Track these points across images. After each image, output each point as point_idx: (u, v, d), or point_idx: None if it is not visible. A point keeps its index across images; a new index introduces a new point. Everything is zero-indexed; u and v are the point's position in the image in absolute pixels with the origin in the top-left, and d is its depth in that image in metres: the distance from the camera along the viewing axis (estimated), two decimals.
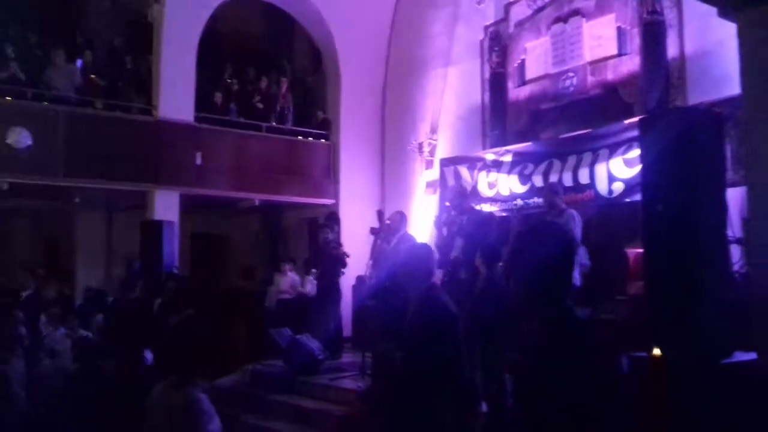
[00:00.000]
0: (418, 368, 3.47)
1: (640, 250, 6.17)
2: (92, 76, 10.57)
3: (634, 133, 6.95)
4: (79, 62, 10.63)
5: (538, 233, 2.35)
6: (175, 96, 10.67)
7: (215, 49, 12.06)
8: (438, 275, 5.21)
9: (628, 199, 7.75)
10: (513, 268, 2.42)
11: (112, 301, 8.85)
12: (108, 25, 12.24)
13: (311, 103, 13.17)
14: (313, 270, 10.14)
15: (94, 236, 12.24)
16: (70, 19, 12.13)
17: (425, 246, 4.06)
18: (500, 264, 5.72)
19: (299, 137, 12.24)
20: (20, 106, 9.61)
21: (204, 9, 11.03)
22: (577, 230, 6.47)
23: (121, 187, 10.42)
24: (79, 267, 11.84)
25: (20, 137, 9.27)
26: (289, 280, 10.99)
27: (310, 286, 10.62)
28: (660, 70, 8.26)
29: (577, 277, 6.18)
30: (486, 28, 10.67)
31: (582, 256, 6.87)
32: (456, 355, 3.48)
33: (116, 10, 12.85)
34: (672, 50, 8.24)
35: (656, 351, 4.52)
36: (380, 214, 8.58)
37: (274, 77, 12.43)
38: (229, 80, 11.99)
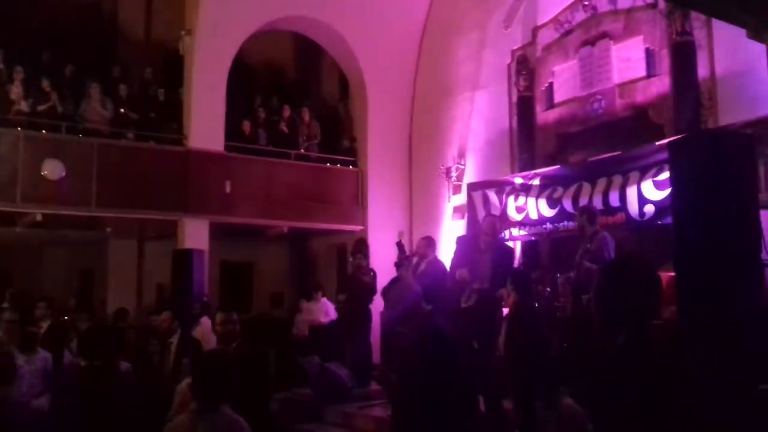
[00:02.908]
0: (429, 397, 3.43)
1: (673, 274, 6.03)
2: (124, 109, 10.79)
3: (665, 154, 6.83)
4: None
5: (625, 268, 2.59)
6: (206, 126, 10.86)
7: (244, 78, 12.26)
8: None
9: (660, 222, 7.61)
10: (601, 301, 2.74)
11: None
12: (140, 59, 12.53)
13: (339, 130, 13.26)
14: (340, 296, 10.11)
15: (126, 265, 12.39)
16: (104, 52, 12.44)
17: (409, 285, 4.09)
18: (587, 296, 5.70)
19: (327, 164, 12.31)
20: (55, 138, 9.85)
21: (233, 41, 11.24)
22: (610, 252, 6.35)
23: (152, 216, 10.58)
24: (112, 295, 11.98)
25: (55, 169, 9.49)
26: (322, 306, 10.92)
27: (334, 314, 10.57)
28: (690, 91, 8.14)
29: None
30: (513, 52, 10.67)
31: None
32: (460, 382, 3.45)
33: (148, 44, 13.17)
34: (702, 71, 8.12)
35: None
36: (400, 246, 8.55)
37: (297, 107, 12.56)
38: (257, 109, 12.14)
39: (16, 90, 9.92)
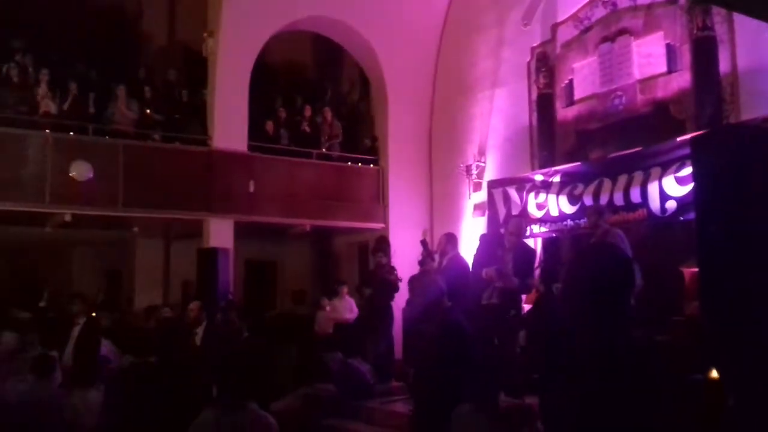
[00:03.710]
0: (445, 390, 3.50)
1: (696, 270, 6.04)
2: (149, 110, 10.97)
3: (687, 150, 6.85)
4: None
5: (592, 255, 2.33)
6: (229, 126, 11.01)
7: (267, 79, 12.39)
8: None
9: (682, 218, 7.61)
10: (567, 291, 2.39)
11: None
12: (164, 60, 12.72)
13: (360, 129, 13.35)
14: (366, 290, 10.16)
15: (152, 264, 12.60)
16: (129, 55, 12.65)
17: (435, 280, 4.15)
18: (557, 285, 5.71)
19: (348, 163, 12.41)
20: (82, 140, 10.05)
21: (256, 42, 11.38)
22: (626, 249, 6.39)
23: (177, 216, 10.75)
24: (138, 294, 12.19)
25: (83, 170, 9.66)
26: (347, 303, 10.97)
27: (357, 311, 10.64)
28: (712, 87, 8.11)
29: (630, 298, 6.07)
30: (533, 49, 10.68)
31: (636, 277, 6.76)
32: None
33: (172, 46, 13.37)
34: (724, 66, 8.09)
35: (713, 373, 4.41)
36: (424, 244, 8.62)
37: (318, 106, 12.68)
38: (279, 109, 12.28)
39: (42, 92, 10.14)
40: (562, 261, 9.30)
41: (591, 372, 2.17)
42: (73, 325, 6.88)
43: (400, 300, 9.49)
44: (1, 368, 5.43)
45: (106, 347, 5.85)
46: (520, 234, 7.01)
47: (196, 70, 11.69)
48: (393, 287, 8.95)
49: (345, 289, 11.07)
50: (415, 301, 3.75)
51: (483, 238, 7.71)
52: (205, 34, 11.14)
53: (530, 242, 8.98)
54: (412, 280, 8.00)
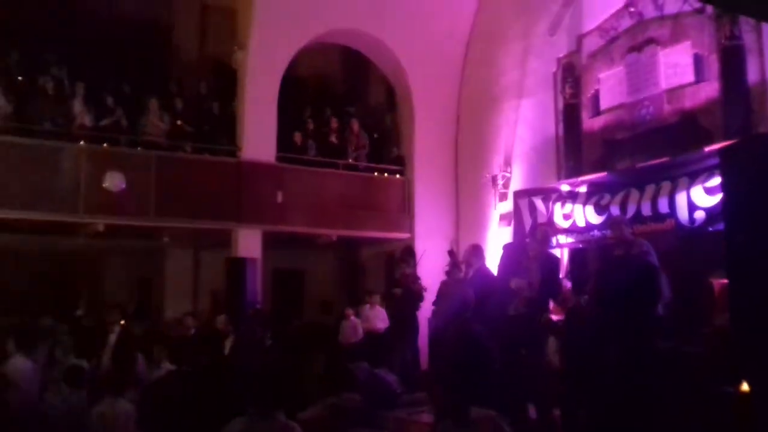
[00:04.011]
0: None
1: (726, 281, 5.98)
2: (180, 122, 11.18)
3: (715, 160, 6.80)
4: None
5: (619, 267, 2.37)
6: (258, 138, 11.19)
7: (294, 90, 12.56)
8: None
9: (710, 228, 7.53)
10: (594, 302, 2.43)
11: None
12: (195, 73, 12.96)
13: (386, 139, 13.45)
14: (396, 290, 10.17)
15: (182, 273, 12.80)
16: (160, 68, 12.92)
17: (465, 290, 4.17)
18: (585, 297, 5.72)
19: (375, 173, 12.50)
20: (115, 151, 10.28)
21: (284, 55, 11.56)
22: (654, 259, 6.35)
23: (207, 225, 10.94)
24: (168, 302, 12.38)
25: (115, 181, 9.86)
26: (379, 312, 10.93)
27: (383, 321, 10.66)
28: (740, 96, 8.04)
29: (659, 309, 6.04)
30: (559, 59, 10.68)
31: (663, 287, 6.72)
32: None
33: (202, 59, 13.61)
34: (753, 75, 8.01)
35: (744, 386, 4.38)
36: (452, 254, 8.63)
37: (346, 118, 12.81)
38: (307, 120, 12.43)
39: (78, 105, 10.41)
40: (589, 272, 9.27)
41: (617, 382, 2.21)
42: (108, 333, 7.01)
43: (425, 310, 9.52)
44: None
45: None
46: (547, 243, 7.00)
47: (226, 83, 11.90)
48: (418, 297, 8.98)
49: (377, 298, 11.10)
50: (443, 309, 3.78)
51: (507, 247, 7.71)
52: (235, 47, 11.36)
53: (556, 252, 8.96)
54: (443, 287, 8.01)
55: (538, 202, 9.99)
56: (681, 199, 7.94)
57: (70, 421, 4.86)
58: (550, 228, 9.17)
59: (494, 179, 11.49)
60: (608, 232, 8.68)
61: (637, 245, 6.41)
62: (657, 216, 8.09)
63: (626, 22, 9.64)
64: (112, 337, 6.77)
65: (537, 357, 6.55)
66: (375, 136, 12.99)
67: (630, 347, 2.11)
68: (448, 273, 8.40)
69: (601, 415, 2.07)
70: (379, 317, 10.84)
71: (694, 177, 7.82)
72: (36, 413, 4.94)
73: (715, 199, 7.32)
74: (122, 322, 9.36)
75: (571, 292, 7.19)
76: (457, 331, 3.73)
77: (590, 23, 10.27)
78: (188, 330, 8.04)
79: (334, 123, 12.48)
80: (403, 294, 8.95)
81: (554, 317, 6.96)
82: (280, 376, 3.55)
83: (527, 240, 7.25)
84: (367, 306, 11.10)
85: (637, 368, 2.04)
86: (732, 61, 8.18)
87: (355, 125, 12.58)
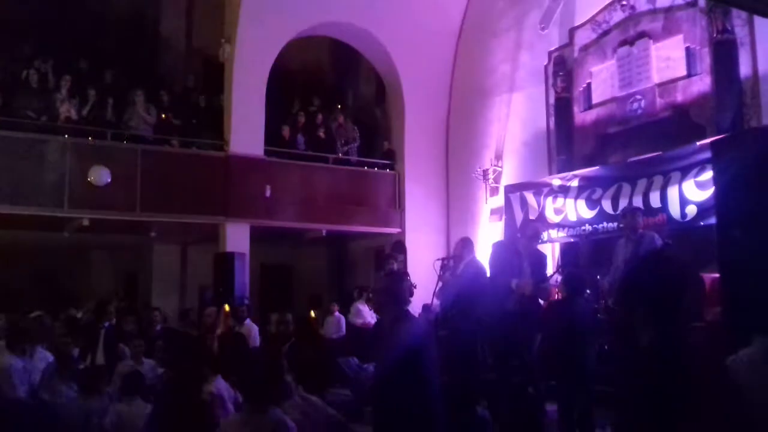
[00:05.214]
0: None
1: (717, 275, 5.95)
2: (167, 115, 11.05)
3: (707, 154, 6.77)
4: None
5: (654, 264, 2.34)
6: (246, 131, 11.06)
7: (283, 83, 12.44)
8: None
9: (702, 223, 7.51)
10: (626, 297, 2.42)
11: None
12: (182, 67, 12.81)
13: (376, 133, 13.37)
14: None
15: (169, 268, 12.68)
16: (147, 61, 12.77)
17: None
18: (588, 291, 5.65)
19: (365, 168, 12.41)
20: (101, 145, 10.13)
21: (272, 48, 11.42)
22: None
23: (194, 220, 10.80)
24: (155, 297, 12.26)
25: (101, 175, 9.73)
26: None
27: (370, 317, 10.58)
28: (732, 90, 8.02)
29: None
30: (550, 53, 10.63)
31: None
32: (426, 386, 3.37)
33: (189, 52, 13.47)
34: (744, 69, 7.99)
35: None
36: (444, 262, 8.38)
37: (333, 111, 12.70)
38: (295, 114, 12.31)
39: (63, 98, 10.24)
40: (579, 267, 9.22)
41: (655, 375, 2.17)
42: (100, 330, 6.94)
43: (415, 305, 9.43)
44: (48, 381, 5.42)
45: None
46: (536, 239, 6.93)
47: (214, 76, 11.76)
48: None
49: (365, 294, 11.03)
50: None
51: (497, 245, 7.61)
52: (222, 40, 11.21)
53: (546, 247, 8.90)
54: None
55: (530, 197, 9.94)
56: (673, 193, 7.93)
57: (66, 418, 4.78)
58: (541, 224, 9.11)
59: (485, 173, 11.44)
60: (602, 226, 8.69)
61: (647, 238, 6.35)
62: (649, 210, 8.05)
63: (618, 16, 9.60)
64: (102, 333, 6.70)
65: (530, 352, 6.48)
66: (364, 130, 12.89)
67: (665, 342, 2.07)
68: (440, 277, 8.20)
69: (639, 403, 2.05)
70: (371, 313, 10.76)
71: (686, 171, 7.81)
72: (29, 410, 4.85)
73: (707, 193, 7.30)
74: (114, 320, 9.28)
75: (562, 286, 7.12)
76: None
77: (582, 16, 10.23)
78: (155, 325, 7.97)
79: (320, 117, 12.37)
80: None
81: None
82: (264, 371, 3.50)
83: (518, 236, 7.15)
84: (358, 302, 11.01)
85: (676, 360, 2.04)
86: (724, 54, 8.16)
87: (340, 118, 12.48)
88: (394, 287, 3.70)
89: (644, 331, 2.20)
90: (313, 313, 9.50)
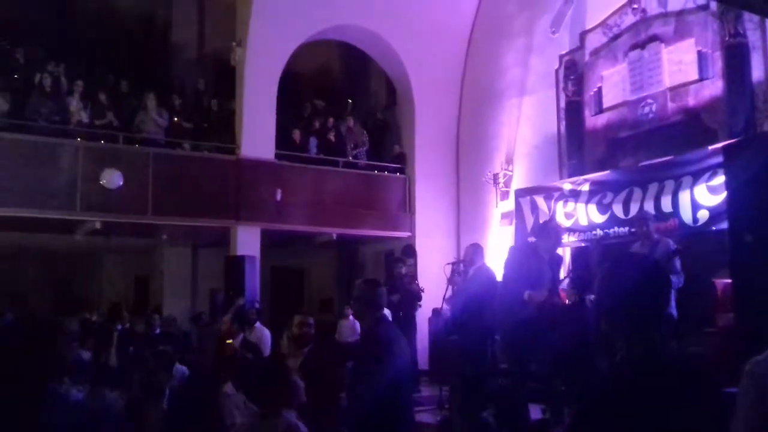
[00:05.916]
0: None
1: (729, 281, 5.91)
2: (178, 118, 11.11)
3: (719, 159, 6.73)
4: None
5: (628, 266, 2.22)
6: (257, 135, 11.09)
7: (294, 87, 12.49)
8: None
9: (714, 228, 7.46)
10: (601, 302, 2.29)
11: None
12: (193, 71, 12.88)
13: (387, 137, 13.38)
14: (393, 297, 10.09)
15: (181, 271, 12.73)
16: (158, 64, 12.85)
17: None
18: (591, 296, 5.62)
19: (375, 171, 12.42)
20: (113, 149, 10.20)
21: (283, 51, 11.46)
22: (677, 260, 6.19)
23: (205, 223, 10.85)
24: (166, 300, 12.31)
25: (113, 178, 9.79)
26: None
27: None
28: (745, 94, 7.96)
29: (674, 309, 5.88)
30: (561, 57, 10.60)
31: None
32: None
33: (201, 55, 13.54)
34: (757, 73, 7.94)
35: None
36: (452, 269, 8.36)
37: (343, 115, 12.71)
38: (306, 118, 12.34)
39: (75, 102, 10.32)
40: (593, 270, 9.17)
41: (634, 381, 2.08)
42: (112, 330, 7.00)
43: (425, 309, 9.44)
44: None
45: None
46: (559, 241, 6.88)
47: (225, 79, 11.82)
48: (416, 297, 8.90)
49: None
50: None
51: (514, 250, 7.57)
52: (233, 44, 11.26)
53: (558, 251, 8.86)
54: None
55: (540, 201, 9.91)
56: (684, 198, 7.88)
57: (92, 419, 4.82)
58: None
59: (496, 177, 11.41)
60: (613, 230, 8.64)
61: (662, 245, 6.29)
62: (660, 215, 8.00)
63: (629, 19, 9.56)
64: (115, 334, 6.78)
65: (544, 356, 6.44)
66: (375, 133, 12.89)
67: (647, 347, 1.97)
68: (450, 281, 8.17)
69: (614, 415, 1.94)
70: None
71: (697, 176, 7.76)
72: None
73: (719, 198, 7.25)
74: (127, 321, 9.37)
75: (571, 290, 7.10)
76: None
77: (593, 20, 10.19)
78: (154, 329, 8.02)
79: (330, 121, 12.39)
80: (400, 298, 8.86)
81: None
82: (275, 375, 3.49)
83: (535, 239, 7.06)
84: None
85: (658, 368, 1.92)
86: (736, 58, 8.11)
87: (350, 122, 12.50)
88: (370, 293, 3.74)
89: (626, 344, 2.08)
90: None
